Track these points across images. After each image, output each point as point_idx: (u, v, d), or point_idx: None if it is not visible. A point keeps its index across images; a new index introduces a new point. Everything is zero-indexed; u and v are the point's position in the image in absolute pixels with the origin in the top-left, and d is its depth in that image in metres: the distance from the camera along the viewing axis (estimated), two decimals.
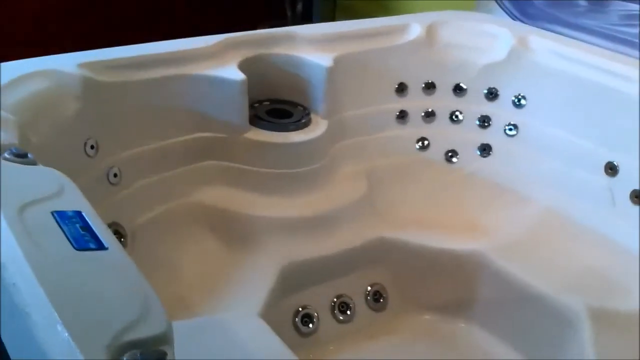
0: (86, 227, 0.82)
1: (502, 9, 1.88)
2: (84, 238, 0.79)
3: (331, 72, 1.43)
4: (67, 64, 1.22)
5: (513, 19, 1.85)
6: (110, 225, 1.23)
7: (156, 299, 0.71)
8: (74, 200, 0.87)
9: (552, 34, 1.56)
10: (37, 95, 1.14)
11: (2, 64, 1.17)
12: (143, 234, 1.29)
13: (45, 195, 0.86)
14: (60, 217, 0.83)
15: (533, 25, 1.69)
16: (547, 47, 1.51)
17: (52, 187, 0.88)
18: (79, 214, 0.84)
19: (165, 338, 0.66)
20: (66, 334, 0.63)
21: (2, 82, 1.12)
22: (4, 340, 0.71)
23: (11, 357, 0.69)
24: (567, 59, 1.47)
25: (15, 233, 0.76)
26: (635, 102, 1.35)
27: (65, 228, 0.80)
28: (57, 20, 2.33)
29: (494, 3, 1.90)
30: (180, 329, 0.99)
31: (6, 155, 0.93)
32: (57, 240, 0.77)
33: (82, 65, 1.23)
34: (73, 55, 1.25)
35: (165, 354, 0.64)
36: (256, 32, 1.45)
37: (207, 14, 2.36)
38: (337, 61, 1.45)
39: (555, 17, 1.77)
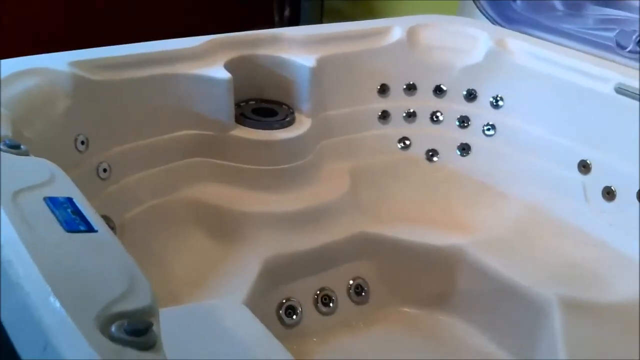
0: (76, 211, 0.86)
1: (483, 13, 1.94)
2: (74, 221, 0.83)
3: (315, 72, 1.48)
4: (59, 62, 1.26)
5: (493, 23, 1.91)
6: None
7: (142, 276, 0.76)
8: (65, 187, 0.91)
9: (530, 37, 1.62)
10: (29, 92, 1.18)
11: None
12: (132, 227, 1.33)
13: (38, 182, 0.90)
14: (52, 202, 0.87)
15: (512, 29, 1.75)
16: (525, 49, 1.56)
17: (44, 175, 0.92)
18: (69, 200, 0.88)
19: (150, 310, 0.71)
20: (58, 305, 0.67)
21: None
22: (2, 316, 0.75)
23: (7, 329, 0.73)
24: (543, 60, 1.53)
25: (10, 216, 0.80)
26: (607, 102, 1.41)
27: (56, 212, 0.84)
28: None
29: (475, 8, 1.96)
30: (166, 315, 1.03)
31: (1, 146, 0.97)
32: (49, 223, 0.81)
33: (72, 64, 1.27)
34: (64, 54, 1.29)
35: (151, 324, 0.68)
36: (242, 33, 1.49)
37: (194, 19, 2.41)
38: (320, 62, 1.50)
39: (534, 22, 1.83)
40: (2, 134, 1.01)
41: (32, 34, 2.31)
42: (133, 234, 1.32)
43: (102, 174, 1.31)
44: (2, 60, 1.22)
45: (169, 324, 1.00)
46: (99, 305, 0.68)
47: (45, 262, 0.73)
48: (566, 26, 1.74)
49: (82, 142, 1.28)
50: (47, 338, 0.65)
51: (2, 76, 1.17)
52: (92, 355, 0.62)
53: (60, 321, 0.66)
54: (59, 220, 0.82)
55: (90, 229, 0.83)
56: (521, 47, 1.57)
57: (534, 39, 1.61)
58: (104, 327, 0.66)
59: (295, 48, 1.51)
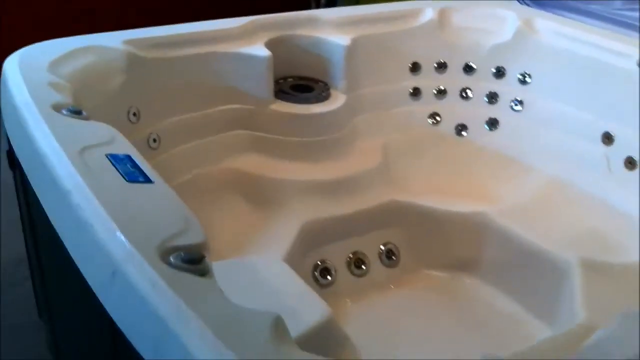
0: (135, 166, 0.97)
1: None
2: (133, 174, 0.94)
3: (349, 51, 1.57)
4: (114, 41, 1.37)
5: (522, 4, 1.97)
6: None
7: (195, 219, 0.86)
8: (124, 147, 1.02)
9: (555, 16, 1.68)
10: (87, 67, 1.30)
11: (57, 39, 1.32)
12: (179, 194, 1.43)
13: (100, 142, 1.01)
14: (114, 158, 0.98)
15: (543, 10, 1.81)
16: (551, 28, 1.63)
17: (105, 136, 1.03)
18: (128, 157, 0.99)
19: (203, 245, 0.81)
20: (124, 239, 0.78)
21: (57, 56, 1.27)
22: (71, 251, 0.86)
23: (76, 261, 0.84)
24: (568, 38, 1.59)
25: (77, 168, 0.91)
26: (629, 76, 1.47)
27: (117, 166, 0.95)
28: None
29: None
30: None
31: (64, 111, 1.08)
32: (112, 174, 0.92)
33: (126, 42, 1.38)
34: (119, 33, 1.40)
35: (204, 255, 0.79)
36: (281, 14, 1.59)
37: (234, 5, 2.51)
38: (355, 41, 1.58)
39: (563, 4, 1.89)
40: (65, 101, 1.11)
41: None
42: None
43: (152, 144, 1.42)
44: (64, 38, 1.33)
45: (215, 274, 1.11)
46: (158, 240, 0.79)
47: (110, 205, 0.84)
48: (593, 6, 1.80)
49: (134, 114, 1.39)
50: (116, 266, 0.76)
51: (64, 52, 1.28)
52: (155, 278, 0.72)
53: (126, 252, 0.76)
54: (120, 173, 0.93)
55: (147, 180, 0.94)
56: (547, 26, 1.63)
57: (560, 18, 1.67)
58: (163, 257, 0.77)
59: (331, 28, 1.60)
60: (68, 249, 0.86)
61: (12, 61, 1.23)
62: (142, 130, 1.41)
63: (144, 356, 0.69)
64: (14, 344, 1.44)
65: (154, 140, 1.43)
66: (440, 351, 1.28)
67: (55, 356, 1.29)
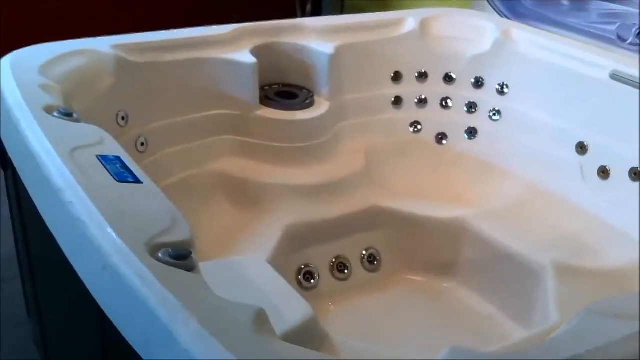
0: (124, 167, 1.00)
1: (494, 8, 2.06)
2: (123, 174, 0.98)
3: (333, 59, 1.61)
4: (104, 45, 1.41)
5: (504, 18, 2.03)
6: None
7: (182, 217, 0.89)
8: (113, 148, 1.05)
9: (532, 28, 1.74)
10: (77, 70, 1.33)
11: (49, 43, 1.35)
12: (166, 196, 1.47)
13: (90, 143, 1.04)
14: (104, 159, 1.01)
15: (521, 22, 1.87)
16: (528, 39, 1.68)
17: (95, 137, 1.07)
18: (118, 158, 1.03)
19: (190, 242, 0.84)
20: (114, 234, 0.81)
21: (48, 59, 1.30)
22: (62, 246, 0.89)
23: (70, 260, 0.87)
24: (545, 49, 1.64)
25: (68, 167, 0.94)
26: (602, 87, 1.52)
27: (108, 167, 0.98)
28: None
29: (487, 4, 2.08)
30: None
31: (55, 114, 1.11)
32: (102, 174, 0.95)
33: (116, 47, 1.41)
34: (108, 38, 1.43)
35: (191, 251, 0.82)
36: (267, 22, 1.63)
37: (219, 14, 2.55)
38: (338, 49, 1.63)
39: (542, 16, 1.95)
40: (56, 103, 1.15)
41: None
42: None
43: (140, 147, 1.46)
44: (55, 42, 1.36)
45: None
46: (147, 236, 0.82)
47: (101, 203, 0.87)
48: (571, 20, 1.86)
49: (123, 118, 1.42)
50: (106, 260, 0.79)
51: (54, 56, 1.32)
52: (144, 271, 0.75)
53: (116, 247, 0.80)
54: (110, 173, 0.96)
55: (136, 180, 0.97)
56: (525, 37, 1.69)
57: (537, 29, 1.72)
58: (152, 252, 0.80)
59: (315, 36, 1.64)
60: (60, 245, 0.89)
61: (4, 63, 1.26)
62: (130, 133, 1.44)
63: (133, 345, 0.73)
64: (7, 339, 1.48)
65: (142, 144, 1.46)
66: (419, 350, 1.32)
67: (43, 353, 1.31)
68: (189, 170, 1.52)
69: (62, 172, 0.93)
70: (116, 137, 1.37)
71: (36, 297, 1.26)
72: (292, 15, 2.62)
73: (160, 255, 0.80)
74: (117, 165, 1.00)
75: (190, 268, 0.80)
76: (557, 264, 1.37)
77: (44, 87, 1.19)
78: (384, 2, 2.65)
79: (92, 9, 2.62)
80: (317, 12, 2.65)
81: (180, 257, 0.80)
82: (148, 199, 0.92)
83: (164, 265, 0.78)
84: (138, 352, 0.72)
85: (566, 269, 1.36)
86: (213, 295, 0.75)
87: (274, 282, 1.22)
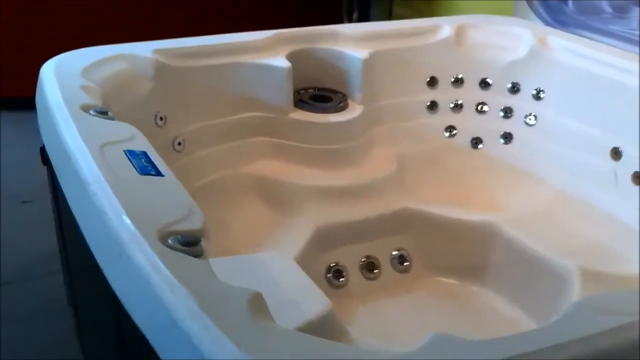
0: (149, 161, 1.06)
1: (537, 16, 2.06)
2: (146, 168, 1.04)
3: (367, 64, 1.65)
4: (144, 50, 1.48)
5: (547, 25, 2.03)
6: None
7: (198, 209, 0.94)
8: (142, 144, 1.11)
9: (568, 34, 1.73)
10: (118, 73, 1.41)
11: (92, 47, 1.43)
12: (201, 195, 1.52)
13: (120, 139, 1.11)
14: (130, 154, 1.07)
15: (564, 31, 1.87)
16: (563, 46, 1.68)
17: (126, 134, 1.13)
18: (144, 153, 1.09)
19: (200, 232, 0.89)
20: (129, 222, 0.87)
21: (91, 62, 1.38)
22: (85, 232, 0.95)
23: (90, 245, 0.93)
24: (580, 56, 1.64)
25: (97, 161, 1.01)
26: (637, 93, 1.51)
27: (133, 161, 1.05)
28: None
29: (530, 12, 2.08)
30: (222, 262, 1.23)
31: (91, 112, 1.19)
32: (127, 168, 1.02)
33: (156, 52, 1.49)
34: (149, 43, 1.51)
35: (199, 239, 0.87)
36: (304, 28, 1.68)
37: (266, 21, 2.62)
38: (373, 55, 1.66)
39: (584, 24, 1.94)
40: (94, 103, 1.22)
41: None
42: (201, 200, 1.50)
43: (177, 147, 1.52)
44: (98, 47, 1.45)
45: (223, 268, 1.19)
46: (160, 224, 0.87)
47: (121, 194, 0.93)
48: (613, 27, 1.84)
49: (161, 119, 1.49)
50: (121, 247, 0.85)
51: (96, 59, 1.39)
52: (152, 256, 0.81)
53: (130, 234, 0.85)
54: (134, 166, 1.03)
55: (159, 174, 1.03)
56: (561, 44, 1.68)
57: (573, 36, 1.72)
58: (163, 239, 0.85)
59: (351, 42, 1.68)
60: (84, 235, 0.96)
61: (49, 66, 1.34)
62: (168, 133, 1.51)
63: (140, 325, 0.78)
64: (45, 328, 1.56)
65: (179, 144, 1.52)
66: None
67: (80, 340, 1.39)
68: (224, 171, 1.58)
69: (90, 166, 0.99)
70: (154, 137, 1.45)
71: (72, 287, 1.34)
72: (339, 23, 2.67)
73: (170, 241, 0.85)
74: (143, 160, 1.06)
75: (198, 254, 0.85)
76: (583, 270, 1.36)
77: (84, 88, 1.27)
78: (430, 11, 2.67)
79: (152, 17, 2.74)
80: (364, 20, 2.68)
81: (189, 243, 0.85)
82: (167, 191, 0.98)
83: (172, 251, 0.83)
84: (145, 334, 0.77)
85: (593, 274, 1.36)
86: (214, 279, 0.79)
87: (296, 276, 1.26)
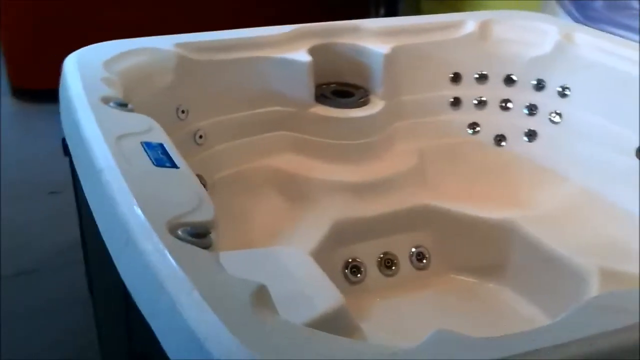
0: (165, 153, 1.07)
1: (566, 12, 2.04)
2: (162, 159, 1.05)
3: (389, 59, 1.64)
4: (166, 43, 1.50)
5: (576, 22, 2.00)
6: None
7: (209, 201, 0.95)
8: (159, 136, 1.13)
9: (596, 31, 1.70)
10: (140, 66, 1.42)
11: (114, 41, 1.45)
12: (221, 187, 1.54)
13: (138, 131, 1.12)
14: (147, 145, 1.08)
15: (593, 27, 1.84)
16: (590, 42, 1.65)
17: (144, 126, 1.14)
18: (161, 145, 1.10)
19: (210, 224, 0.90)
20: (140, 212, 0.88)
21: (113, 55, 1.40)
22: (97, 221, 0.97)
23: (100, 230, 0.95)
24: (606, 52, 1.61)
25: (112, 151, 1.02)
26: None
27: (149, 152, 1.06)
28: None
29: (559, 8, 2.06)
30: (237, 255, 1.24)
31: (111, 104, 1.20)
32: (143, 159, 1.03)
33: (178, 45, 1.50)
34: (171, 37, 1.52)
35: (209, 231, 0.88)
36: (325, 23, 1.68)
37: (294, 18, 2.63)
38: (395, 50, 1.66)
39: (613, 20, 1.91)
40: (114, 95, 1.23)
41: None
42: (221, 193, 1.53)
43: (198, 140, 1.54)
44: (120, 40, 1.46)
45: (237, 261, 1.21)
46: (170, 215, 0.88)
47: (134, 184, 0.94)
48: None
49: (183, 112, 1.50)
50: (129, 235, 0.86)
51: (119, 52, 1.41)
52: (159, 245, 0.82)
53: (139, 223, 0.86)
54: (150, 158, 1.04)
55: (174, 165, 1.04)
56: (587, 40, 1.66)
57: (600, 32, 1.69)
58: (172, 230, 0.86)
59: (372, 37, 1.68)
60: (97, 223, 0.97)
61: (72, 59, 1.37)
62: (190, 126, 1.52)
63: (144, 313, 0.79)
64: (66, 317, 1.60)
65: (200, 137, 1.54)
66: None
67: (97, 328, 1.41)
68: (244, 164, 1.59)
69: (105, 155, 1.01)
70: (176, 130, 1.48)
71: (90, 276, 1.36)
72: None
73: (179, 232, 0.86)
74: (159, 152, 1.07)
75: (207, 246, 0.85)
76: (603, 270, 1.35)
77: (106, 81, 1.29)
78: (458, 8, 2.64)
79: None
80: (391, 16, 2.67)
81: (197, 235, 0.86)
82: (180, 182, 0.99)
83: (180, 241, 0.84)
84: (148, 322, 0.78)
85: (612, 274, 1.34)
86: (220, 271, 0.80)
87: (310, 271, 1.26)
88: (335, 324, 1.16)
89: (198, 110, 1.53)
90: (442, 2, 2.73)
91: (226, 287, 0.76)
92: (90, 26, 2.70)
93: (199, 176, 1.49)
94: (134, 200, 0.90)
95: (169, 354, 0.73)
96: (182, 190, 0.96)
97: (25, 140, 2.36)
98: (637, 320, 0.70)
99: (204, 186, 1.49)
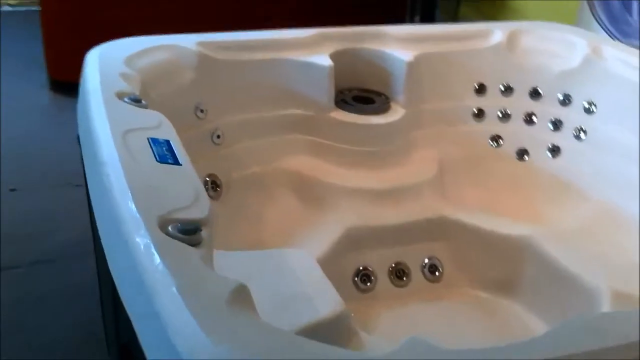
0: (170, 150, 1.08)
1: (600, 25, 2.00)
2: (166, 156, 1.06)
3: (412, 66, 1.63)
4: (188, 41, 1.51)
5: (612, 37, 1.96)
6: (209, 176, 1.51)
7: (206, 199, 0.96)
8: (167, 133, 1.13)
9: (625, 45, 1.66)
10: (160, 63, 1.44)
11: (137, 37, 1.47)
12: (236, 187, 1.55)
13: (147, 126, 1.13)
14: (153, 141, 1.09)
15: (626, 41, 1.80)
16: (619, 57, 1.61)
17: (154, 122, 1.16)
18: (167, 141, 1.11)
19: (203, 221, 0.90)
20: (133, 206, 0.89)
21: (134, 51, 1.42)
22: (95, 213, 0.98)
23: (97, 221, 0.96)
24: (634, 68, 1.57)
25: (117, 145, 1.03)
26: None
27: (154, 148, 1.07)
28: None
29: (593, 21, 2.02)
30: (241, 256, 1.24)
31: (126, 99, 1.22)
32: (146, 154, 1.04)
33: (199, 44, 1.51)
34: (193, 35, 1.53)
35: (199, 228, 0.88)
36: (349, 27, 1.67)
37: (329, 22, 2.63)
38: (419, 58, 1.64)
39: None
40: (130, 90, 1.25)
41: None
42: (236, 192, 1.54)
43: (216, 139, 1.55)
44: (143, 37, 1.48)
45: (242, 261, 1.21)
46: (163, 211, 0.89)
47: (134, 179, 0.95)
48: None
49: (202, 110, 1.51)
50: (119, 228, 0.87)
51: (141, 49, 1.43)
52: (147, 241, 0.82)
53: (131, 217, 0.87)
54: (154, 154, 1.05)
55: (176, 162, 1.05)
56: (616, 55, 1.62)
57: (629, 47, 1.65)
58: (163, 225, 0.87)
59: (396, 44, 1.66)
60: (95, 215, 0.99)
61: (94, 53, 1.39)
62: (208, 125, 1.53)
63: (126, 305, 0.79)
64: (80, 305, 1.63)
65: (218, 136, 1.55)
66: None
67: (102, 317, 1.43)
68: (261, 165, 1.59)
69: (110, 149, 1.02)
70: (193, 128, 1.49)
71: (98, 269, 1.38)
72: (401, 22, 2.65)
73: (170, 229, 0.86)
74: (164, 148, 1.08)
75: (196, 243, 0.86)
76: (615, 291, 1.31)
77: (124, 76, 1.30)
78: (496, 15, 2.62)
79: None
80: (428, 22, 2.65)
81: (187, 232, 0.86)
82: (179, 179, 1.00)
83: (169, 238, 0.84)
84: (129, 313, 0.79)
85: (623, 296, 1.30)
86: (203, 268, 0.80)
87: (313, 274, 1.25)
88: (333, 328, 1.15)
89: (217, 109, 1.54)
90: (479, 9, 2.70)
91: (206, 285, 0.76)
92: (129, 20, 2.74)
93: (214, 175, 1.52)
94: (129, 194, 0.91)
95: (143, 345, 0.73)
96: (179, 187, 0.97)
97: (59, 133, 2.41)
98: (615, 343, 0.68)
99: (219, 186, 1.52)
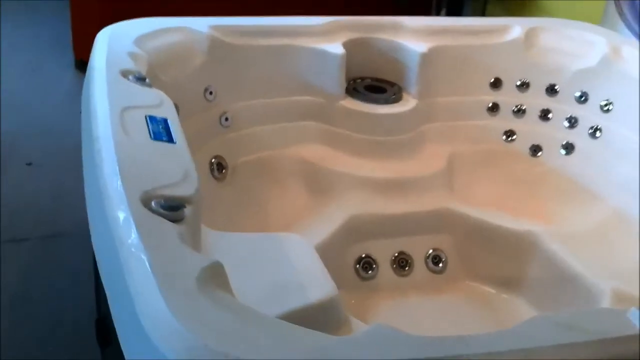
0: (166, 128, 1.09)
1: (625, 25, 1.95)
2: (161, 134, 1.06)
3: (425, 58, 1.61)
4: (202, 25, 1.52)
5: (637, 36, 1.92)
6: (215, 157, 1.51)
7: (196, 177, 0.96)
8: (166, 112, 1.14)
9: None
10: (171, 45, 1.45)
11: (151, 18, 1.49)
12: (242, 171, 1.56)
13: (147, 105, 1.14)
14: (151, 119, 1.10)
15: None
16: (637, 57, 1.58)
17: (155, 101, 1.16)
18: (164, 119, 1.12)
19: (188, 199, 0.91)
20: (119, 182, 0.90)
21: (146, 32, 1.43)
22: (85, 184, 1.00)
23: (87, 197, 0.97)
24: None
25: (112, 122, 1.05)
26: None
27: (150, 126, 1.08)
28: None
29: (619, 21, 1.97)
30: (239, 238, 1.24)
31: (130, 78, 1.23)
32: (141, 132, 1.05)
33: (212, 27, 1.52)
34: (206, 18, 1.54)
35: (183, 205, 0.89)
36: (364, 17, 1.67)
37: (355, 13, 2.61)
38: (433, 50, 1.63)
39: None
40: (135, 69, 1.26)
41: None
42: (242, 176, 1.55)
43: (224, 122, 1.55)
44: (157, 18, 1.50)
45: (239, 243, 1.21)
46: (148, 187, 0.90)
47: (125, 155, 0.96)
48: None
49: (211, 93, 1.52)
50: (103, 202, 0.88)
51: (152, 30, 1.44)
52: (127, 215, 0.83)
53: (114, 191, 0.88)
54: (149, 131, 1.06)
55: (170, 140, 1.05)
56: (634, 55, 1.58)
57: None
58: (146, 201, 0.87)
59: (412, 35, 1.65)
60: (85, 190, 1.00)
61: (105, 32, 1.40)
62: (217, 108, 1.54)
63: (102, 279, 0.81)
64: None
65: (226, 119, 1.55)
66: None
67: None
68: (268, 150, 1.59)
69: (105, 125, 1.03)
70: (202, 110, 1.50)
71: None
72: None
73: (153, 204, 0.87)
74: (160, 126, 1.09)
75: (177, 219, 0.86)
76: (617, 293, 1.29)
77: (132, 55, 1.31)
78: (522, 13, 2.58)
79: None
80: (453, 13, 2.62)
81: (170, 208, 0.87)
82: (170, 157, 1.00)
83: (150, 213, 0.85)
84: (104, 286, 0.80)
85: (626, 298, 1.28)
86: (179, 245, 0.80)
87: (309, 260, 1.25)
88: (323, 314, 1.15)
89: (227, 93, 1.55)
90: (506, 8, 2.66)
91: (179, 262, 0.77)
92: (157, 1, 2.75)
93: (220, 157, 1.53)
94: (116, 169, 0.92)
95: (113, 317, 0.74)
96: (168, 164, 0.98)
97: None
98: (587, 339, 0.67)
99: (224, 168, 1.53)
